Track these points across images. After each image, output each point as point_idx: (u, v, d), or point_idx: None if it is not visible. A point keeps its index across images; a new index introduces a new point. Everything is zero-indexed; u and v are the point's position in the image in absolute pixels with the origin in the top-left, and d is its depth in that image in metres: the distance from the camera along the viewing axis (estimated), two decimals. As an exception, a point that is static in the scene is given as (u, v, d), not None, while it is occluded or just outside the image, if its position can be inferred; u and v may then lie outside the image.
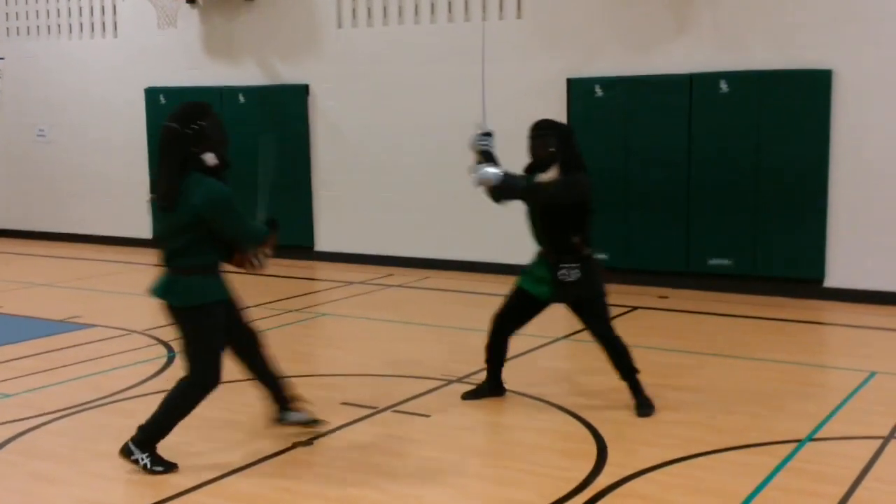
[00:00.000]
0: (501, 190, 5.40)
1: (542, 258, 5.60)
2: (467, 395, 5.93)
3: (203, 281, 4.62)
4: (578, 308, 5.61)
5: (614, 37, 9.67)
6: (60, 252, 12.41)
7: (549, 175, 5.48)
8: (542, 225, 5.55)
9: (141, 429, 4.70)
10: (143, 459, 4.69)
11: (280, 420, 5.21)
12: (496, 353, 5.85)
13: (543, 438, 5.24)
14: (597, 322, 5.62)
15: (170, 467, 4.72)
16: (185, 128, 4.54)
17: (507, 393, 5.95)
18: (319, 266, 11.22)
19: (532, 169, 5.59)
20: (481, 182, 5.39)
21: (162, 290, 4.64)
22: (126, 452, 4.70)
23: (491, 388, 5.92)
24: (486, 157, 5.49)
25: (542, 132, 5.54)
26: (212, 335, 4.69)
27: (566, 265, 5.47)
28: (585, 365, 6.51)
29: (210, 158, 4.57)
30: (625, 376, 5.64)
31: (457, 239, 10.63)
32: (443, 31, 10.52)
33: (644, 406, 5.57)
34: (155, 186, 4.63)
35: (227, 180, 4.72)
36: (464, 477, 4.65)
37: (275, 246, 4.95)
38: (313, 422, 5.27)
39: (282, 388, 5.19)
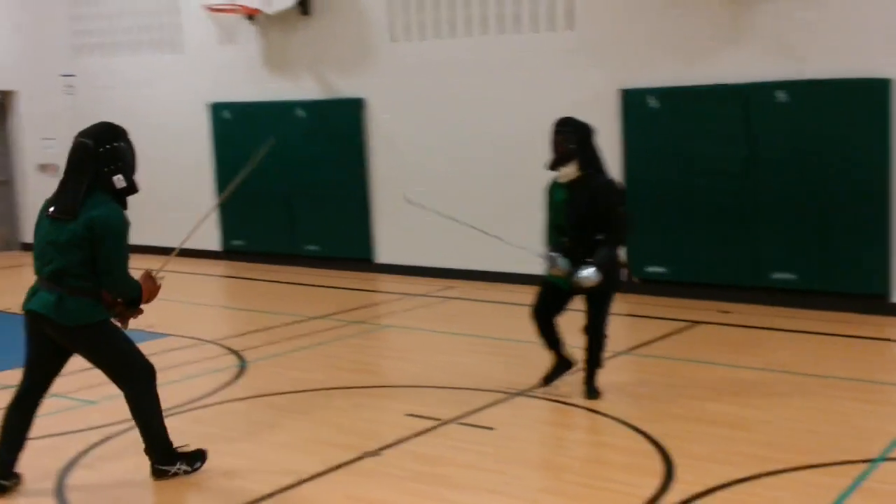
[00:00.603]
0: (606, 267, 5.86)
1: (564, 252, 5.95)
2: (547, 379, 6.30)
3: (93, 302, 4.58)
4: (591, 297, 5.98)
5: (668, 47, 9.63)
6: (131, 263, 12.63)
7: (569, 170, 5.91)
8: (571, 225, 5.93)
9: (148, 453, 4.80)
10: (179, 469, 4.82)
11: None
12: (549, 338, 6.20)
13: (609, 454, 5.27)
14: (600, 314, 6.01)
15: (201, 455, 4.93)
16: (99, 146, 4.55)
17: (571, 408, 5.99)
18: (379, 278, 11.35)
19: (554, 164, 6.00)
20: (593, 282, 5.83)
21: (48, 309, 4.53)
22: (160, 474, 4.81)
23: (561, 365, 6.29)
24: (565, 262, 5.92)
25: (564, 129, 5.94)
26: (115, 339, 4.69)
27: (590, 260, 5.85)
28: (648, 379, 6.50)
29: (119, 181, 4.58)
30: (591, 366, 6.10)
31: (515, 252, 10.64)
32: (495, 43, 10.56)
33: (594, 391, 6.08)
34: (55, 200, 4.59)
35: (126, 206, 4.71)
36: (529, 490, 4.69)
37: (129, 316, 4.81)
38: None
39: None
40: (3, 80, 13.68)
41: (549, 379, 6.32)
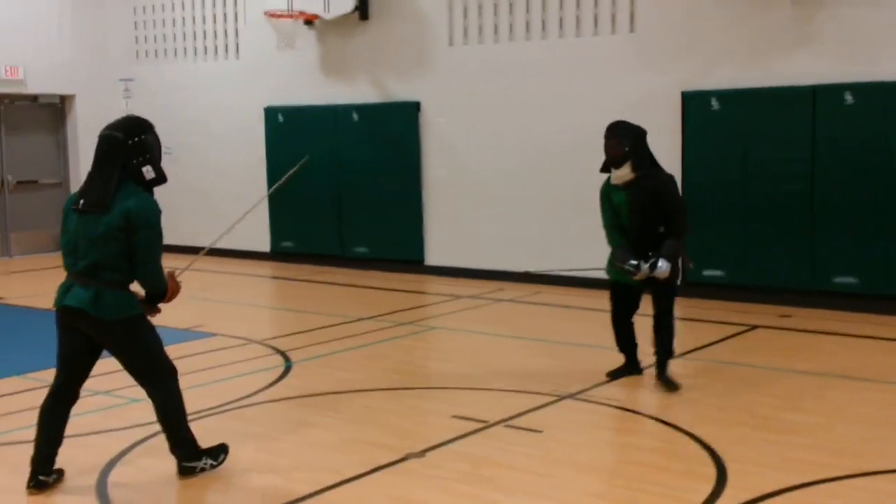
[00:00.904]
0: (674, 258, 6.08)
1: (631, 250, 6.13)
2: (614, 375, 6.50)
3: (129, 295, 4.62)
4: (658, 290, 6.15)
5: (730, 48, 9.45)
6: (182, 264, 12.81)
7: (623, 172, 6.07)
8: (635, 225, 6.09)
9: (175, 451, 4.81)
10: (204, 464, 4.84)
11: None
12: (625, 340, 6.48)
13: (659, 458, 5.12)
14: (667, 304, 6.19)
15: (224, 449, 4.94)
16: (128, 139, 4.57)
17: (621, 411, 5.89)
18: (429, 280, 11.30)
19: (607, 167, 6.20)
20: (665, 273, 6.03)
21: (86, 303, 4.50)
22: (187, 472, 4.81)
23: (631, 367, 6.52)
24: (644, 263, 6.05)
25: (617, 133, 6.14)
26: (149, 336, 4.69)
27: (657, 253, 6.03)
28: (703, 383, 6.35)
29: (148, 172, 4.61)
30: (664, 357, 6.20)
31: (568, 255, 10.52)
32: (553, 47, 10.48)
33: (670, 383, 6.16)
34: (84, 193, 4.61)
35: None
36: (578, 494, 4.57)
37: (150, 314, 4.78)
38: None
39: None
40: (63, 84, 13.94)
41: (615, 375, 6.51)
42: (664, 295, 6.20)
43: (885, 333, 8.00)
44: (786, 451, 5.09)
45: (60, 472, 4.79)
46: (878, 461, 4.92)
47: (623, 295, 6.35)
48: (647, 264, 6.00)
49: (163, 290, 4.70)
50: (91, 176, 4.62)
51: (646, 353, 6.58)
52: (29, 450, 4.76)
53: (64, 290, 4.63)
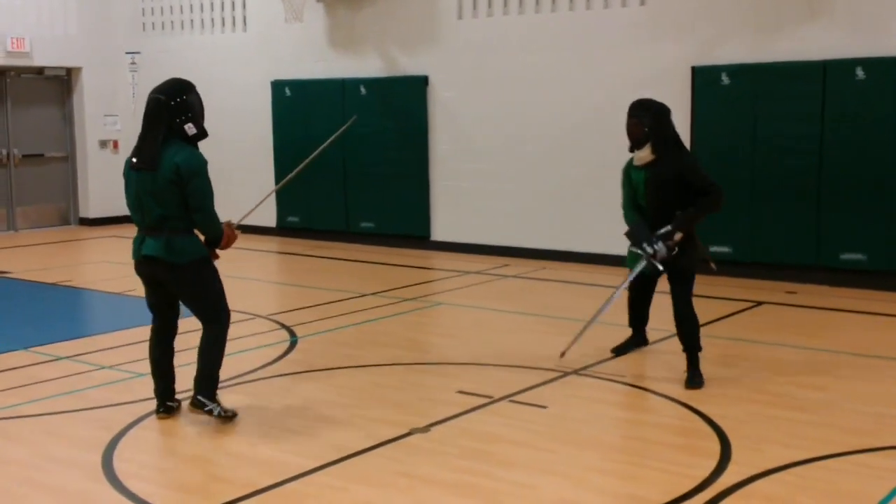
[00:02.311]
0: (682, 231, 5.82)
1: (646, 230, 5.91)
2: (618, 350, 6.47)
3: (196, 240, 5.09)
4: (672, 276, 5.90)
5: (741, 23, 9.36)
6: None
7: (643, 153, 5.87)
8: (651, 205, 5.89)
9: (200, 383, 5.14)
10: (215, 409, 5.14)
11: None
12: (637, 315, 6.45)
13: (664, 434, 5.12)
14: (683, 295, 5.90)
15: (234, 415, 5.23)
16: (170, 100, 5.03)
17: (626, 387, 5.89)
18: (435, 255, 11.29)
19: (632, 148, 5.95)
20: (664, 254, 5.81)
21: (160, 250, 4.99)
22: (198, 405, 5.15)
23: (636, 340, 6.51)
24: (661, 248, 5.84)
25: (637, 112, 5.91)
26: (214, 277, 5.16)
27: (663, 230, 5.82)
28: (708, 359, 6.31)
29: (190, 129, 5.07)
30: (687, 351, 5.90)
31: (574, 230, 10.52)
32: (563, 20, 10.39)
33: (695, 379, 5.82)
34: (138, 152, 5.05)
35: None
36: (581, 470, 4.57)
37: (213, 255, 5.24)
38: None
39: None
40: (68, 57, 13.90)
41: (620, 350, 6.48)
42: (676, 283, 5.92)
43: (891, 310, 7.98)
44: (791, 427, 5.09)
45: (178, 403, 5.34)
46: (883, 438, 4.91)
47: (639, 281, 6.16)
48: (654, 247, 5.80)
49: (218, 234, 5.16)
50: (142, 136, 5.06)
51: (653, 328, 6.57)
52: (33, 423, 4.92)
53: (138, 242, 5.12)
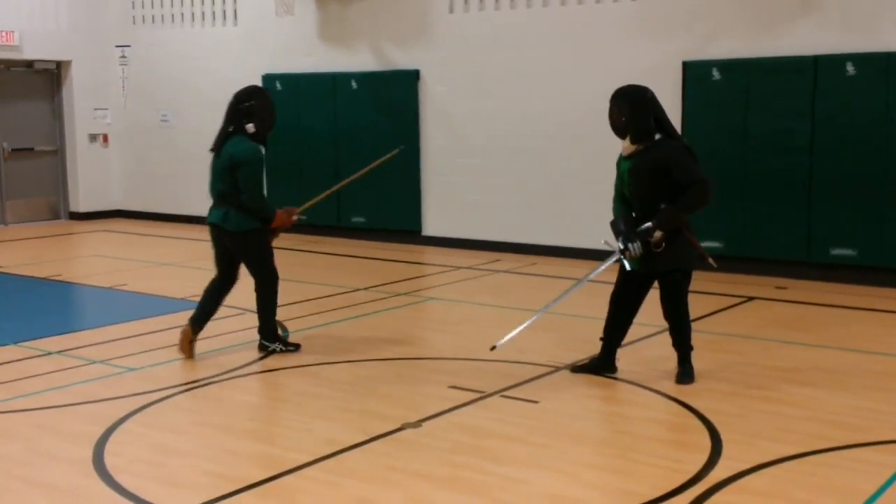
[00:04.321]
0: (662, 228, 5.56)
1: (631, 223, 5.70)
2: (577, 369, 6.07)
3: (248, 215, 6.23)
4: (661, 277, 5.71)
5: (732, 18, 9.37)
6: (179, 233, 12.86)
7: (626, 143, 5.65)
8: (635, 196, 5.66)
9: (261, 331, 6.51)
10: (277, 348, 6.49)
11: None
12: (612, 328, 5.94)
13: (655, 429, 5.14)
14: (673, 297, 5.72)
15: (296, 347, 6.57)
16: (239, 104, 6.31)
17: (617, 382, 5.88)
18: (427, 250, 11.28)
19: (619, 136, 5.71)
20: (638, 251, 5.59)
21: (219, 219, 6.29)
22: (262, 348, 6.51)
23: (601, 364, 5.97)
24: (627, 237, 5.62)
25: (615, 100, 5.66)
26: (263, 246, 6.41)
27: (645, 225, 5.57)
28: (698, 354, 6.31)
29: (250, 127, 6.25)
30: (679, 349, 5.82)
31: (565, 225, 10.53)
32: (555, 15, 10.39)
33: (686, 376, 5.75)
34: (215, 140, 6.36)
35: (266, 148, 6.35)
36: (573, 464, 4.59)
37: (274, 232, 6.51)
38: None
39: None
40: (58, 50, 13.83)
41: (578, 369, 6.08)
42: (664, 284, 5.70)
43: (881, 305, 8.01)
44: (781, 421, 5.11)
45: (194, 335, 6.44)
46: (874, 433, 4.94)
47: (624, 280, 5.82)
48: (633, 244, 5.54)
49: (263, 215, 6.29)
50: (220, 129, 6.35)
51: (643, 323, 6.57)
52: (24, 418, 4.96)
53: (210, 211, 6.38)
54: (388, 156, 7.72)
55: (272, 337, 6.50)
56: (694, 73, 9.50)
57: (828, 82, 8.82)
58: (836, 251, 8.94)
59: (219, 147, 6.29)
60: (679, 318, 5.76)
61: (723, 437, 4.85)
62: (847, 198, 8.84)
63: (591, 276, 6.01)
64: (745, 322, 7.54)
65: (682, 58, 9.57)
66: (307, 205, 7.00)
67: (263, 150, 6.30)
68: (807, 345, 6.76)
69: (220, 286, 6.50)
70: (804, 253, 9.11)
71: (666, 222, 5.52)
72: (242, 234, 6.26)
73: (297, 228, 12.48)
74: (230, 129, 6.27)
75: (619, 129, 5.65)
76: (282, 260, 11.22)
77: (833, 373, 6.06)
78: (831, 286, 8.78)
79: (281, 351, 6.46)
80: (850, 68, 8.71)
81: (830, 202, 8.93)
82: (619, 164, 5.84)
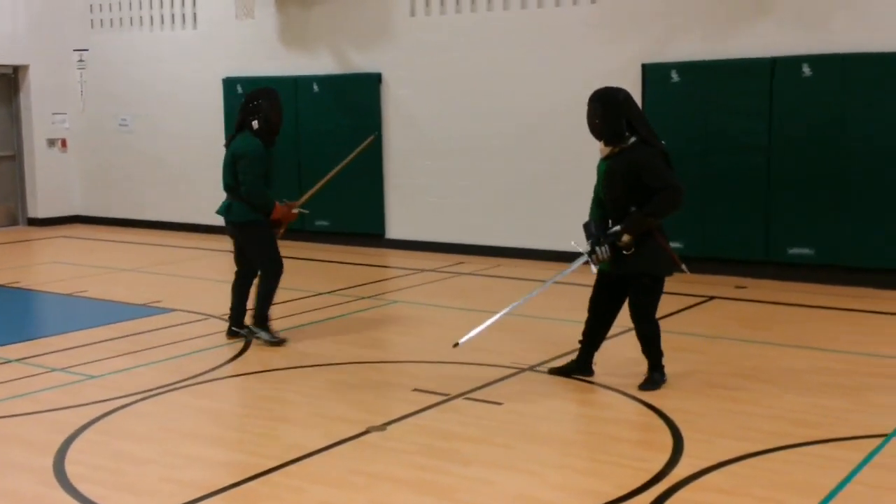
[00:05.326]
0: (629, 232, 5.54)
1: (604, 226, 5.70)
2: (554, 370, 6.08)
3: (250, 207, 6.66)
4: (631, 284, 5.68)
5: (691, 21, 9.48)
6: (140, 238, 12.73)
7: (601, 145, 5.65)
8: (608, 197, 5.65)
9: (253, 317, 6.83)
10: (263, 336, 6.80)
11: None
12: (589, 333, 5.94)
13: (618, 428, 5.18)
14: (638, 302, 5.69)
15: (281, 341, 6.82)
16: (248, 103, 6.76)
17: (580, 382, 5.93)
18: (390, 254, 11.28)
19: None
20: (606, 255, 5.58)
21: (224, 211, 6.80)
22: (251, 333, 6.85)
23: (577, 368, 6.00)
24: (603, 249, 5.60)
25: (590, 102, 5.66)
26: (265, 238, 6.79)
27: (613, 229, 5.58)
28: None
29: (254, 125, 6.68)
30: (646, 357, 5.78)
31: (529, 227, 10.58)
32: (516, 18, 10.44)
33: (649, 383, 5.71)
34: (229, 136, 6.92)
35: (271, 145, 6.74)
36: (538, 465, 4.61)
37: (278, 225, 6.92)
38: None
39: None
40: (15, 55, 13.62)
41: (556, 371, 6.10)
42: (632, 290, 5.67)
43: (839, 304, 8.14)
44: (742, 420, 5.18)
45: (242, 333, 6.95)
46: (833, 429, 5.02)
47: (601, 282, 5.81)
48: (600, 247, 5.54)
49: (262, 206, 6.67)
50: (234, 126, 6.87)
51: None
52: None
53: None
54: (366, 143, 8.06)
55: (262, 322, 6.83)
56: (653, 75, 9.59)
57: (784, 83, 8.96)
58: (794, 250, 9.08)
59: (228, 142, 6.85)
60: (646, 325, 5.73)
61: (685, 435, 4.91)
62: (804, 198, 8.98)
63: (558, 278, 6.05)
64: (706, 321, 7.63)
65: (641, 60, 9.66)
66: (304, 198, 7.24)
67: (268, 148, 6.71)
68: (767, 343, 6.85)
69: (241, 280, 6.98)
70: (763, 252, 9.24)
71: (633, 227, 5.53)
72: (245, 224, 6.72)
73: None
74: (237, 125, 6.79)
75: (595, 131, 5.66)
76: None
77: (793, 371, 6.15)
78: (790, 285, 8.91)
79: (265, 342, 6.77)
80: (805, 69, 8.85)
81: (788, 202, 9.06)
82: (598, 166, 5.83)
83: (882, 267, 8.73)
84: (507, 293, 8.91)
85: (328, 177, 7.61)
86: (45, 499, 4.27)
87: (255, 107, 6.69)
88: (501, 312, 6.03)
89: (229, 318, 7.04)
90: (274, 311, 8.06)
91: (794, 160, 8.99)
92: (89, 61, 13.95)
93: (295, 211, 6.93)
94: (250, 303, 6.99)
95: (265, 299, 6.83)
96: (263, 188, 6.68)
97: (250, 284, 6.97)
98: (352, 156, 7.79)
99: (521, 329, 7.30)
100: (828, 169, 8.85)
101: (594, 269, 5.69)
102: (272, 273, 6.82)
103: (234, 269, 7.04)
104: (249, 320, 6.95)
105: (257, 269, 6.93)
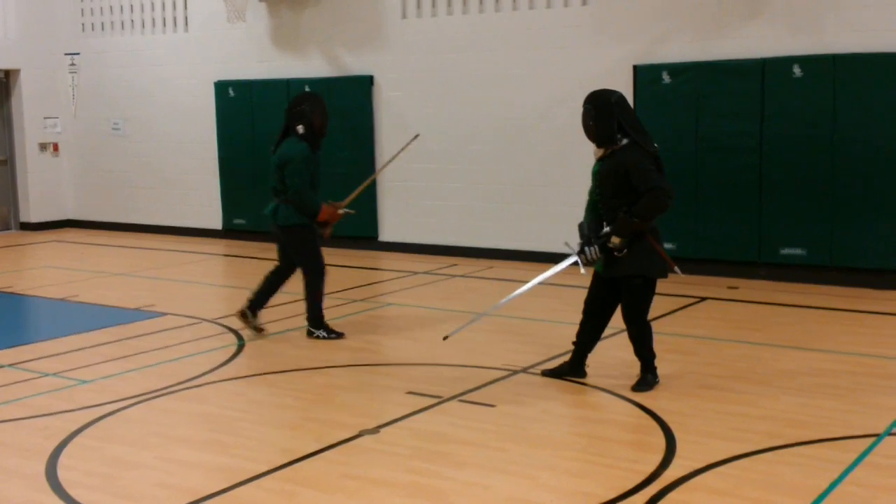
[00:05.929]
0: (619, 234, 5.55)
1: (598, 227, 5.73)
2: (548, 372, 6.07)
3: (292, 208, 6.85)
4: (622, 283, 5.69)
5: (682, 22, 9.50)
6: (133, 242, 12.71)
7: (594, 147, 5.68)
8: (601, 198, 5.68)
9: (308, 319, 7.08)
10: (321, 334, 7.04)
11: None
12: (583, 334, 5.94)
13: (611, 430, 5.19)
14: (630, 303, 5.70)
15: (340, 335, 7.11)
16: (292, 109, 6.95)
17: (573, 384, 5.93)
18: (384, 256, 11.27)
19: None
20: (595, 255, 5.64)
21: (271, 213, 6.99)
22: (309, 334, 7.08)
23: (571, 369, 6.01)
24: (592, 250, 5.64)
25: (585, 104, 5.71)
26: (308, 240, 6.98)
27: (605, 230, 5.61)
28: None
29: (299, 129, 6.89)
30: (641, 359, 5.79)
31: (522, 229, 10.59)
32: (508, 20, 10.45)
33: (641, 384, 5.72)
34: (276, 140, 7.06)
35: (317, 149, 6.94)
36: (531, 468, 4.61)
37: (325, 226, 7.05)
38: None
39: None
40: (6, 59, 13.60)
41: (549, 373, 6.10)
42: (624, 292, 5.69)
43: (831, 304, 8.16)
44: (734, 421, 5.18)
45: (253, 322, 7.17)
46: (825, 430, 5.02)
47: (595, 283, 5.84)
48: (592, 248, 5.58)
49: (308, 210, 6.87)
50: (282, 130, 7.01)
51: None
52: None
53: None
54: (409, 142, 8.12)
55: (317, 323, 7.06)
56: (644, 77, 9.61)
57: (775, 84, 8.98)
58: (786, 251, 9.10)
59: (276, 148, 6.97)
60: (637, 327, 5.74)
61: (677, 437, 4.91)
62: (796, 198, 9.00)
63: (545, 277, 6.05)
64: (698, 322, 7.65)
65: (632, 61, 9.68)
66: (350, 198, 7.36)
67: (314, 151, 6.89)
68: (758, 344, 6.87)
69: (277, 274, 7.13)
70: (755, 253, 9.26)
71: (621, 229, 5.55)
72: (290, 227, 6.89)
73: (250, 236, 12.55)
74: (283, 130, 6.95)
75: (590, 133, 5.70)
76: (237, 268, 11.29)
77: (784, 371, 6.17)
78: (782, 285, 8.93)
79: (325, 338, 7.01)
80: (796, 70, 8.87)
81: (780, 203, 9.08)
82: (593, 168, 5.85)
83: (874, 267, 8.75)
84: (499, 295, 8.87)
85: (372, 177, 8.04)
86: (37, 505, 4.26)
87: (299, 112, 6.86)
88: (489, 310, 6.16)
89: (248, 299, 7.17)
90: (267, 314, 8.07)
91: (786, 161, 9.02)
92: (81, 65, 13.92)
93: (341, 212, 7.09)
94: (272, 300, 7.30)
95: (315, 299, 7.04)
96: (310, 191, 6.84)
97: (283, 281, 7.14)
98: (395, 155, 8.07)
99: (514, 331, 7.30)
100: (819, 169, 8.88)
101: (583, 269, 5.70)
102: (316, 272, 7.00)
103: (278, 264, 7.20)
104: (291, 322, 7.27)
105: (298, 269, 7.08)
